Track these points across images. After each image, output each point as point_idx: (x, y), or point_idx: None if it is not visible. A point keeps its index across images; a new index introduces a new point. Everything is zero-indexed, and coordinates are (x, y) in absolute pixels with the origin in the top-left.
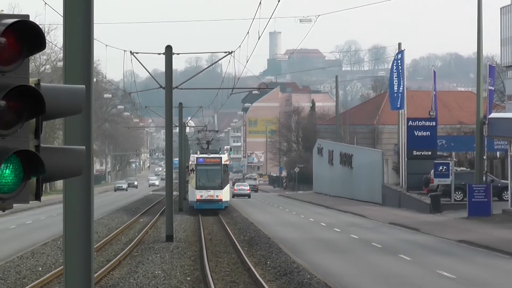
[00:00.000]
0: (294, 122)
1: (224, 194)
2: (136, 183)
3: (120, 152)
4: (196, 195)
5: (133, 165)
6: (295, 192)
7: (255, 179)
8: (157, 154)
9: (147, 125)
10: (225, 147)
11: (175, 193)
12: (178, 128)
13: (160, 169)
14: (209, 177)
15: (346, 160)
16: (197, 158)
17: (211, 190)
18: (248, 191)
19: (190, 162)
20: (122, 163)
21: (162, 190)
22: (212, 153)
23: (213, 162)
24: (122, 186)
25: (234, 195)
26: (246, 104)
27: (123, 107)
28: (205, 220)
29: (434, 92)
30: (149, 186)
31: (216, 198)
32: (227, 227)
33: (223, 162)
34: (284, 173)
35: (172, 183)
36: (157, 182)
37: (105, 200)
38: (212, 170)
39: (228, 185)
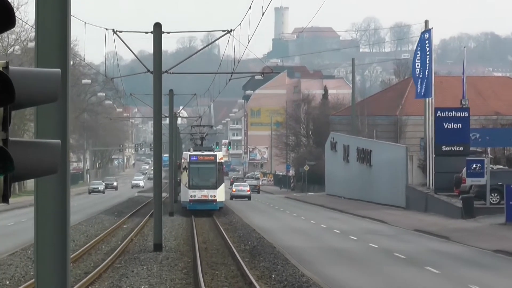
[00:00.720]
0: (303, 112)
1: (219, 194)
2: (115, 183)
3: (100, 147)
4: (189, 195)
5: (116, 162)
6: (304, 194)
7: (257, 178)
8: (143, 149)
9: (132, 116)
10: (223, 141)
11: (164, 194)
12: (168, 119)
13: (147, 167)
14: (203, 175)
15: (364, 156)
16: (189, 155)
17: (205, 190)
18: (248, 192)
19: (182, 160)
20: (103, 160)
21: (150, 191)
22: (206, 150)
23: (207, 159)
24: (98, 188)
25: (232, 197)
26: (248, 92)
27: (104, 94)
28: (199, 225)
29: (463, 77)
30: (132, 187)
31: (210, 198)
32: (225, 234)
33: (217, 160)
34: (291, 172)
35: (161, 183)
36: (141, 183)
37: (83, 203)
38: (206, 168)
39: (223, 184)
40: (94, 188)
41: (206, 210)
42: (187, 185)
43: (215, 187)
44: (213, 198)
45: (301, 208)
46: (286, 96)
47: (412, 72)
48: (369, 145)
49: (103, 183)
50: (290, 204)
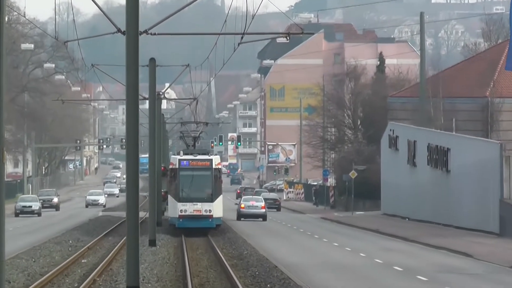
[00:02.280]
0: (348, 92)
1: (216, 208)
2: (55, 199)
3: (48, 144)
4: (178, 209)
5: (71, 166)
6: (350, 214)
7: (280, 190)
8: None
9: (95, 98)
10: (229, 135)
11: (142, 213)
12: (148, 102)
13: (118, 173)
14: (196, 185)
15: (439, 158)
16: (179, 160)
17: (199, 203)
18: (263, 210)
19: (170, 166)
20: (51, 162)
21: (121, 208)
22: (199, 154)
23: (201, 165)
24: (30, 207)
25: (240, 216)
26: (266, 62)
27: (53, 66)
28: (194, 259)
29: None
30: (87, 206)
31: (205, 213)
32: (232, 273)
33: (214, 166)
34: (331, 181)
35: (137, 197)
36: (102, 200)
37: (24, 225)
38: (199, 176)
39: (221, 196)
40: (22, 207)
41: (199, 229)
42: (176, 198)
43: (211, 199)
44: (208, 213)
45: (345, 234)
46: (322, 68)
47: (510, 33)
48: (446, 141)
49: (38, 199)
50: (329, 228)
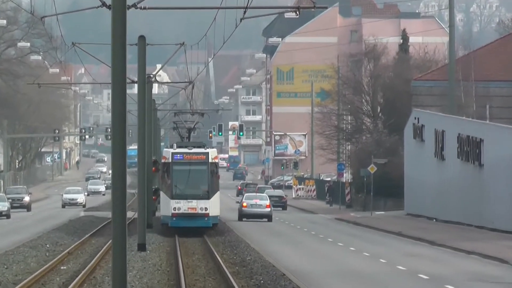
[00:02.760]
0: (367, 75)
1: (212, 206)
2: (26, 198)
3: (22, 134)
4: (171, 207)
5: (49, 159)
6: (368, 214)
7: (288, 186)
8: (96, 138)
9: (77, 81)
10: (230, 124)
11: (130, 214)
12: (137, 86)
13: (104, 168)
14: (191, 181)
15: (471, 150)
16: (172, 153)
17: (194, 201)
18: (268, 209)
19: (162, 160)
20: (26, 154)
21: (105, 208)
22: (194, 146)
23: (196, 159)
24: None
25: (242, 216)
26: (272, 40)
27: (29, 44)
28: (190, 266)
29: None
30: (64, 206)
31: (200, 211)
32: (233, 282)
33: (210, 160)
34: (346, 176)
35: (125, 195)
36: (81, 198)
37: None
38: (194, 171)
39: (218, 193)
40: None
41: (194, 228)
42: (168, 195)
43: (207, 196)
44: (204, 211)
45: (363, 237)
46: (337, 47)
47: None
48: (478, 131)
49: (6, 198)
50: (344, 231)
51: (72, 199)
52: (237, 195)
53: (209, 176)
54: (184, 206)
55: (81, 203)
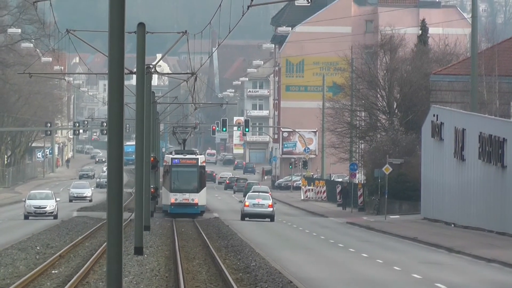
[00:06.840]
0: (383, 68)
1: (200, 198)
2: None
3: (12, 127)
4: (170, 198)
5: (40, 155)
6: (382, 218)
7: (297, 187)
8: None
9: (70, 71)
10: (235, 119)
11: (126, 215)
12: (135, 76)
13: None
14: (185, 179)
15: (493, 150)
16: (171, 158)
17: (187, 194)
18: (270, 209)
19: (164, 163)
20: (15, 150)
21: (100, 208)
22: (188, 153)
23: (189, 163)
24: None
25: (244, 216)
26: (281, 29)
27: (19, 31)
28: (190, 271)
29: None
30: (26, 216)
31: (191, 201)
32: None
33: (199, 164)
34: (359, 177)
35: (121, 194)
36: (51, 205)
37: None
38: (187, 172)
39: (205, 188)
40: None
41: (187, 214)
42: (168, 189)
43: (197, 190)
44: (194, 201)
45: (376, 243)
46: (351, 38)
47: None
48: (501, 130)
49: None
50: (356, 236)
51: (41, 209)
52: (225, 189)
53: (198, 175)
54: (180, 197)
55: (52, 212)
